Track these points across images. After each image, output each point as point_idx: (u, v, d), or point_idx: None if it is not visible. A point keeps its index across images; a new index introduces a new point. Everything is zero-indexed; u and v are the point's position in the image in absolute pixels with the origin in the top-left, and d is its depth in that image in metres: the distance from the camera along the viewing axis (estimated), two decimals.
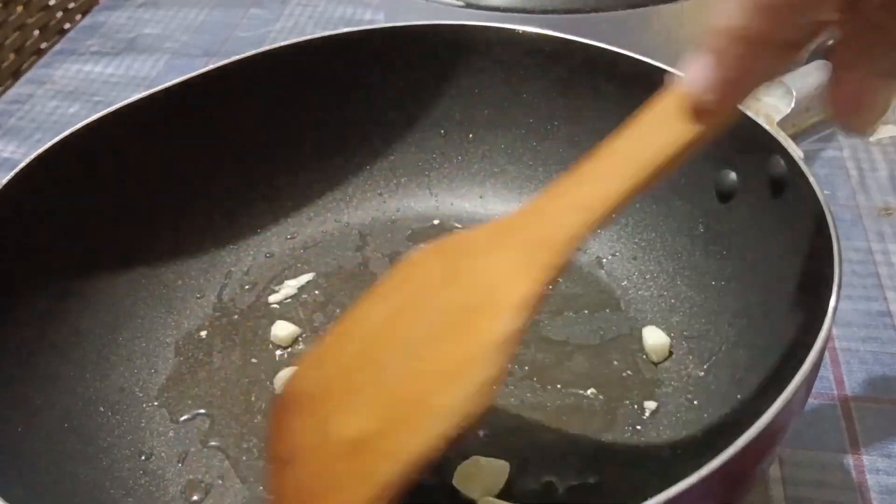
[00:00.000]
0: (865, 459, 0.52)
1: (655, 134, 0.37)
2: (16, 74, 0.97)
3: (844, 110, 0.37)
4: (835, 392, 0.56)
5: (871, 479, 0.51)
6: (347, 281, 0.60)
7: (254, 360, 0.55)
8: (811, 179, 0.46)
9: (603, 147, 0.39)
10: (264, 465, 0.49)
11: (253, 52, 0.59)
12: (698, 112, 0.37)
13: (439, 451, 0.36)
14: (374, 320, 0.42)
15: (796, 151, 0.48)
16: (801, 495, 0.50)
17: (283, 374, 0.54)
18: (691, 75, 0.36)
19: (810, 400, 0.53)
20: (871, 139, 0.76)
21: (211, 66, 0.58)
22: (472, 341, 0.38)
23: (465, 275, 0.40)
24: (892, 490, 0.51)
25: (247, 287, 0.60)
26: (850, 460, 0.52)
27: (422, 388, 0.38)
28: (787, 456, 0.52)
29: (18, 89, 0.88)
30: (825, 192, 0.69)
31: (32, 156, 0.51)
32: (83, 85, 0.88)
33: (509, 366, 0.39)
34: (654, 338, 0.54)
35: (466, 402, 0.36)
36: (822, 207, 0.45)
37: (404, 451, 0.37)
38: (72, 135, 0.53)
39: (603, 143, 0.39)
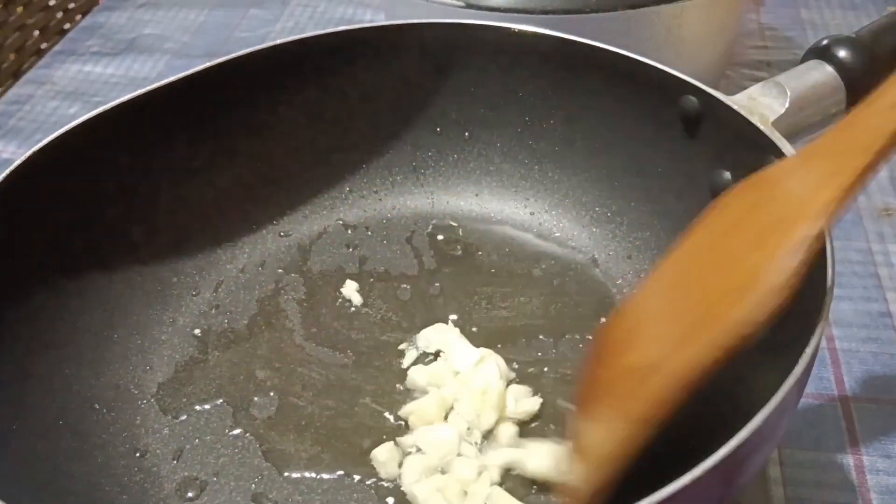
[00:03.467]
0: (865, 460, 0.52)
1: None
2: (16, 75, 0.97)
3: None
4: (835, 392, 0.56)
5: (870, 480, 0.51)
6: (343, 279, 0.60)
7: (248, 357, 0.55)
8: None
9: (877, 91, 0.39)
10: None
11: (248, 50, 0.59)
12: None
13: (722, 363, 0.38)
14: (683, 261, 0.44)
15: (790, 151, 0.48)
16: (801, 495, 0.51)
17: None
18: None
19: (811, 400, 0.53)
20: None
21: (206, 65, 0.58)
22: (764, 254, 0.38)
23: (769, 199, 0.41)
24: (892, 490, 0.51)
25: (242, 285, 0.60)
26: (849, 460, 0.52)
27: (707, 307, 0.39)
28: (787, 456, 0.52)
29: (18, 90, 0.89)
30: None
31: (27, 154, 0.51)
32: (83, 85, 0.89)
33: None
34: None
35: (748, 312, 0.37)
36: None
37: (681, 367, 0.39)
38: (66, 133, 0.53)
39: None
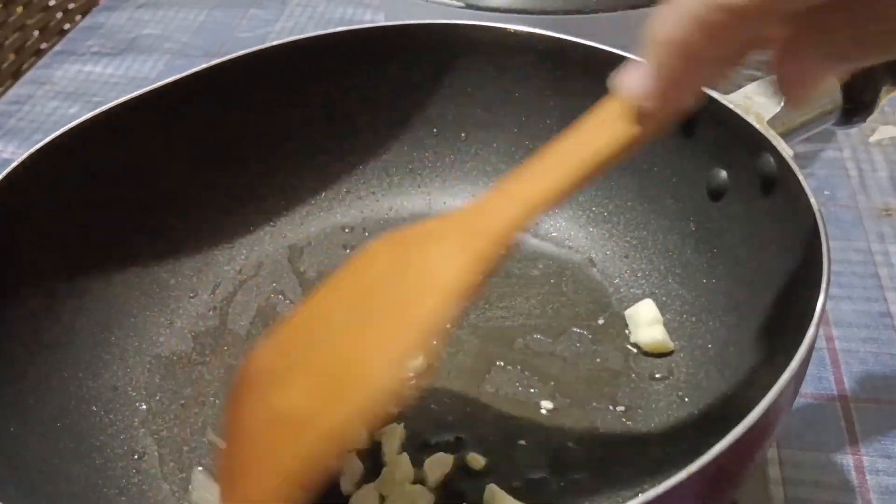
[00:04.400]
0: (865, 460, 0.52)
1: (596, 134, 0.39)
2: (16, 75, 0.97)
3: (789, 85, 0.37)
4: (835, 392, 0.56)
5: (870, 480, 0.51)
6: None
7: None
8: (801, 178, 0.46)
9: (548, 147, 0.40)
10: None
11: (246, 50, 0.59)
12: (641, 115, 0.38)
13: (362, 426, 0.38)
14: (325, 305, 0.43)
15: (786, 150, 0.48)
16: (801, 495, 0.51)
17: None
18: (630, 82, 0.37)
19: (810, 400, 0.53)
20: (871, 139, 0.76)
21: (204, 66, 0.58)
22: (403, 322, 0.39)
23: (410, 263, 0.41)
24: (892, 490, 0.51)
25: (239, 287, 0.60)
26: (849, 461, 0.52)
27: (350, 366, 0.39)
28: (787, 456, 0.52)
29: (18, 90, 0.89)
30: (825, 192, 0.70)
31: (24, 155, 0.51)
32: (83, 85, 0.89)
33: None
34: (650, 335, 0.54)
35: (389, 381, 0.37)
36: (811, 206, 0.45)
37: (333, 425, 0.38)
38: (64, 134, 0.53)
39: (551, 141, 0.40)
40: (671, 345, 0.54)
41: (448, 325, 0.38)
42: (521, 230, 0.40)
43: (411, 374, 0.39)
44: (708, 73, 0.36)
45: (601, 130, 0.39)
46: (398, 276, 0.41)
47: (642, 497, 0.33)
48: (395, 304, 0.40)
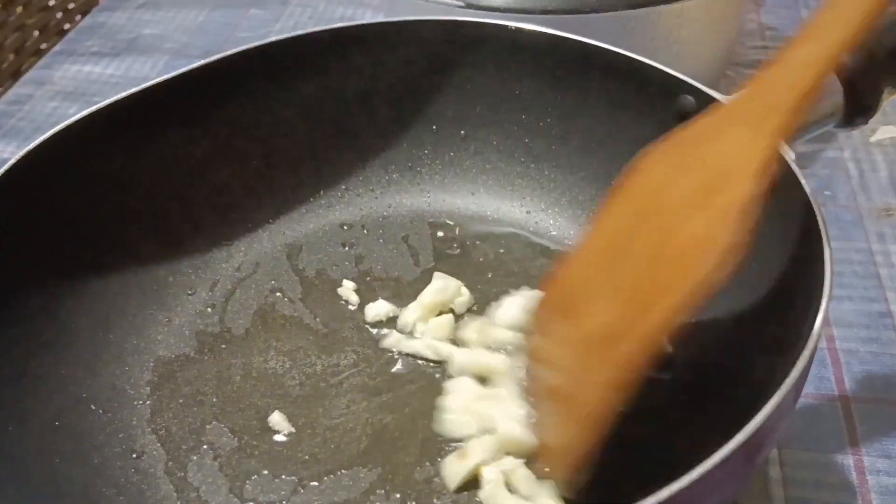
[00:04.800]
0: (865, 460, 0.52)
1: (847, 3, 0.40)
2: (15, 75, 0.97)
3: None
4: (835, 392, 0.56)
5: (871, 480, 0.51)
6: (340, 279, 0.60)
7: (245, 357, 0.55)
8: (802, 179, 0.46)
9: (800, 28, 0.42)
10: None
11: (243, 47, 0.59)
12: None
13: (683, 321, 0.41)
14: (615, 223, 0.46)
15: (787, 151, 0.48)
16: (801, 496, 0.50)
17: None
18: None
19: (811, 400, 0.53)
20: (872, 140, 0.76)
21: (201, 63, 0.58)
22: (710, 214, 0.40)
23: (697, 162, 0.43)
24: (892, 490, 0.51)
25: (238, 284, 0.60)
26: (850, 461, 0.52)
27: (661, 270, 0.41)
28: (787, 456, 0.52)
29: (18, 90, 0.89)
30: (826, 192, 0.70)
31: (21, 153, 0.51)
32: (83, 85, 0.89)
33: None
34: None
35: (705, 272, 0.39)
36: (813, 209, 0.45)
37: (646, 334, 0.41)
38: (60, 132, 0.53)
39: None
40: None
41: (759, 208, 0.39)
42: (811, 96, 0.40)
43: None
44: None
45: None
46: (691, 177, 0.42)
47: (642, 503, 0.33)
48: (698, 204, 0.41)
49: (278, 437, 0.51)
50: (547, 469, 0.47)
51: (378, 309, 0.57)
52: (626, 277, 0.43)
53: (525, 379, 0.50)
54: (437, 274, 0.58)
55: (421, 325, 0.56)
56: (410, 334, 0.56)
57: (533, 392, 0.49)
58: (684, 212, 0.42)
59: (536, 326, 0.49)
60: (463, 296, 0.57)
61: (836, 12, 0.40)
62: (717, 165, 0.41)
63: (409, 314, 0.56)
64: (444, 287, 0.57)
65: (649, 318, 0.41)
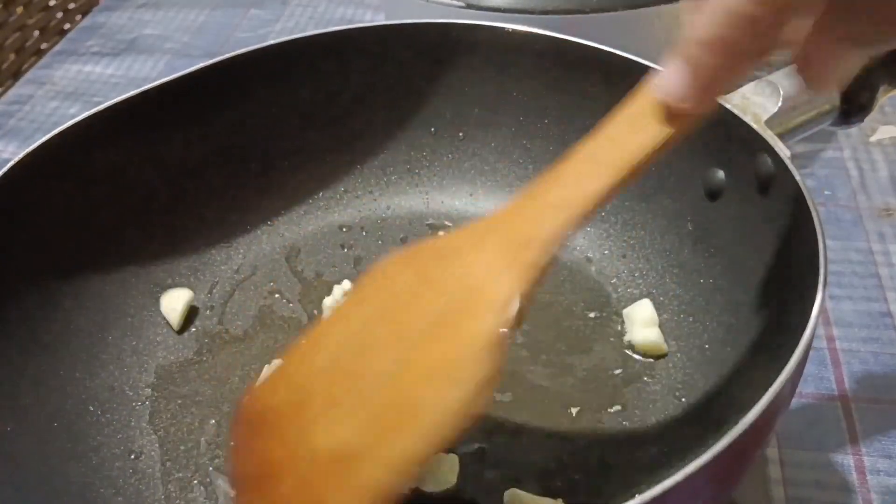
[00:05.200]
0: (865, 460, 0.52)
1: (631, 133, 0.38)
2: (16, 75, 0.97)
3: (811, 70, 0.38)
4: (835, 392, 0.56)
5: (871, 480, 0.51)
6: (338, 280, 0.60)
7: (243, 358, 0.55)
8: (798, 178, 0.46)
9: (580, 146, 0.39)
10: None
11: (243, 49, 0.59)
12: (673, 114, 0.37)
13: (431, 456, 0.36)
14: (347, 329, 0.41)
15: (783, 150, 0.48)
16: (801, 496, 0.51)
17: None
18: (666, 82, 0.36)
19: (811, 400, 0.53)
20: (872, 139, 0.76)
21: (200, 65, 0.58)
22: (461, 342, 0.37)
23: (444, 278, 0.40)
24: (892, 490, 0.51)
25: (237, 286, 0.60)
26: (850, 461, 0.52)
27: (411, 394, 0.38)
28: (787, 456, 0.52)
29: (18, 90, 0.89)
30: (826, 192, 0.70)
31: (21, 154, 0.51)
32: (83, 86, 0.89)
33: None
34: (644, 336, 0.54)
35: (461, 405, 0.36)
36: (808, 206, 0.45)
37: (395, 459, 0.36)
38: (60, 134, 0.53)
39: (580, 141, 0.39)
40: (665, 347, 0.54)
41: (510, 342, 0.37)
42: (566, 237, 0.38)
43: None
44: (744, 66, 0.35)
45: (634, 129, 0.38)
46: (436, 293, 0.39)
47: (639, 498, 0.33)
48: (445, 324, 0.38)
49: None
50: None
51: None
52: (362, 393, 0.39)
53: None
54: None
55: None
56: None
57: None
58: (431, 330, 0.39)
59: (245, 437, 0.43)
60: None
61: (609, 149, 0.39)
62: (468, 289, 0.38)
63: None
64: None
65: (395, 445, 0.37)
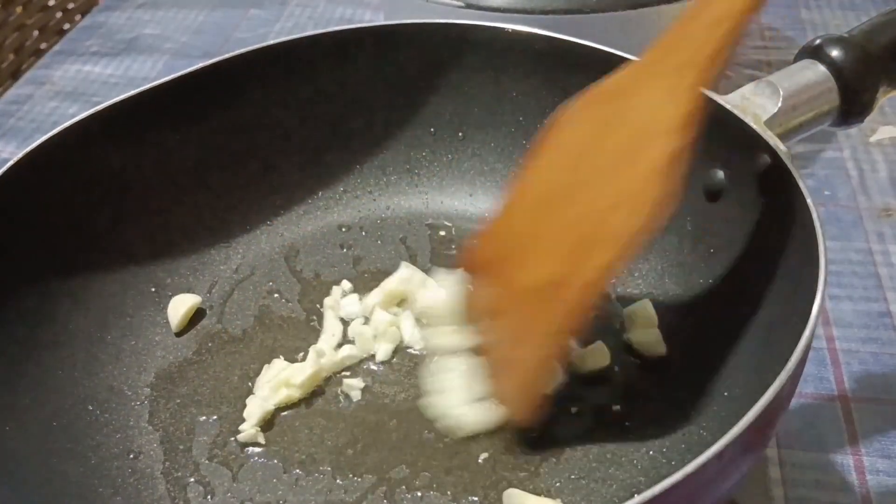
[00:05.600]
0: (865, 460, 0.52)
1: None
2: (15, 75, 0.97)
3: None
4: (835, 392, 0.56)
5: (871, 480, 0.51)
6: (338, 280, 0.60)
7: (242, 358, 0.55)
8: (798, 178, 0.46)
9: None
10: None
11: (242, 50, 0.59)
12: None
13: (621, 270, 0.47)
14: (542, 179, 0.48)
15: (783, 150, 0.48)
16: (801, 496, 0.51)
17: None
18: None
19: (810, 400, 0.53)
20: (872, 139, 0.76)
21: (199, 65, 0.58)
22: (639, 169, 0.42)
23: (619, 116, 0.44)
24: (892, 491, 0.51)
25: (236, 286, 0.60)
26: (849, 461, 0.52)
27: (597, 222, 0.44)
28: (787, 456, 0.52)
29: (18, 90, 0.89)
30: (826, 192, 0.70)
31: (20, 154, 0.51)
32: (82, 85, 0.89)
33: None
34: (644, 336, 0.54)
35: (641, 223, 0.42)
36: (808, 206, 0.45)
37: (591, 281, 0.44)
38: (59, 134, 0.53)
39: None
40: (664, 347, 0.53)
41: (682, 162, 0.42)
42: (726, 52, 0.42)
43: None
44: None
45: None
46: (614, 131, 0.44)
47: (639, 497, 0.33)
48: (624, 157, 0.43)
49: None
50: (506, 409, 0.49)
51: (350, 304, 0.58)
52: (560, 231, 0.45)
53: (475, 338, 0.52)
54: (403, 263, 0.59)
55: (379, 310, 0.56)
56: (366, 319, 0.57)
57: (485, 348, 0.51)
58: (612, 168, 0.44)
59: (473, 283, 0.51)
60: (428, 288, 0.57)
61: None
62: (639, 122, 0.43)
63: (370, 299, 0.57)
64: (408, 277, 0.57)
65: (589, 266, 0.43)
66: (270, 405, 0.52)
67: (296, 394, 0.52)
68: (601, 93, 0.46)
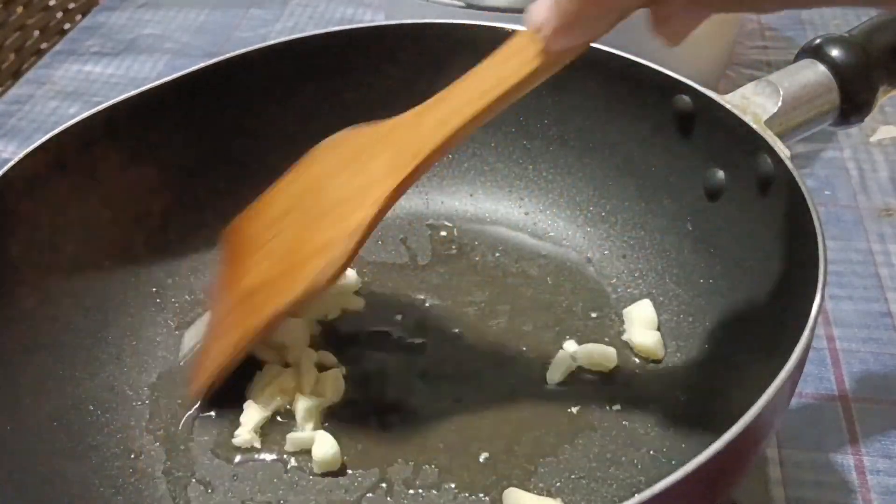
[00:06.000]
0: (865, 460, 0.52)
1: (505, 65, 0.44)
2: (16, 75, 0.97)
3: (660, 26, 0.41)
4: (835, 392, 0.56)
5: (871, 480, 0.51)
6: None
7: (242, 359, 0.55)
8: (798, 178, 0.46)
9: (467, 74, 0.46)
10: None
11: (242, 50, 0.60)
12: (541, 49, 0.41)
13: (297, 307, 0.49)
14: (284, 197, 0.52)
15: (783, 150, 0.48)
16: (801, 496, 0.51)
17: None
18: (534, 15, 0.40)
19: (811, 400, 0.53)
20: (872, 139, 0.76)
21: (200, 66, 0.58)
22: (339, 225, 0.47)
23: (355, 167, 0.49)
24: (892, 490, 0.51)
25: None
26: (850, 461, 0.52)
27: (299, 255, 0.49)
28: (787, 456, 0.52)
29: (18, 90, 0.89)
30: (826, 192, 0.70)
31: (20, 155, 0.51)
32: (83, 85, 0.89)
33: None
34: (644, 336, 0.54)
35: (320, 274, 0.47)
36: (808, 206, 0.45)
37: (278, 299, 0.49)
38: (60, 134, 0.53)
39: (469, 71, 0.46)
40: (664, 347, 0.54)
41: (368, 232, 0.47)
42: (442, 151, 0.46)
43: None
44: (605, 18, 0.39)
45: (508, 62, 0.44)
46: (343, 178, 0.49)
47: (638, 497, 0.33)
48: (338, 208, 0.48)
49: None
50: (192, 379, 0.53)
51: None
52: (281, 248, 0.50)
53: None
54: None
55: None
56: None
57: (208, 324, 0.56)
58: (328, 210, 0.48)
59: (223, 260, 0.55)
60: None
61: (486, 76, 0.45)
62: (364, 180, 0.48)
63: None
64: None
65: (289, 278, 0.48)
66: (267, 413, 0.52)
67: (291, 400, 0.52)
68: (357, 135, 0.50)
